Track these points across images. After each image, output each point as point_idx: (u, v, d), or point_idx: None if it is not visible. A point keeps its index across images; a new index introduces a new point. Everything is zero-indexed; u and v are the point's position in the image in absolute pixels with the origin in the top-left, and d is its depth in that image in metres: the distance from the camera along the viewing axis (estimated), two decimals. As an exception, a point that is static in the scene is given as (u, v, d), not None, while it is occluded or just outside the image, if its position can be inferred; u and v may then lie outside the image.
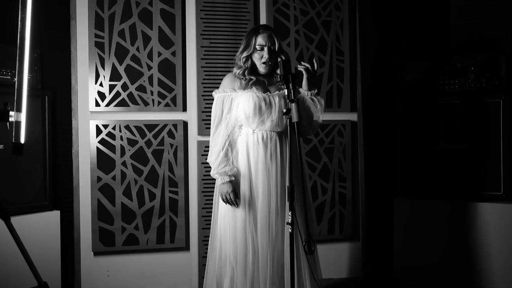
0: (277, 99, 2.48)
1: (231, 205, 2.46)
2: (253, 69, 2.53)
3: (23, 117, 2.00)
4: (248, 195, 2.46)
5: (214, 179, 2.59)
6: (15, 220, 2.13)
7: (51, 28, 3.19)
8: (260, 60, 2.48)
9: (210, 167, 3.12)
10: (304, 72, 2.48)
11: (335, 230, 3.48)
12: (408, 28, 3.73)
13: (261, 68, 2.51)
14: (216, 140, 2.50)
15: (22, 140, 2.01)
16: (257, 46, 2.48)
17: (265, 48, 2.47)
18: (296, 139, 2.19)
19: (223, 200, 2.47)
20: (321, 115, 2.54)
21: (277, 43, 2.50)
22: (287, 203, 2.35)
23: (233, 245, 2.45)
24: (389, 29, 3.70)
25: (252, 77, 2.49)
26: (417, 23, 3.75)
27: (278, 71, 2.36)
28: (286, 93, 2.24)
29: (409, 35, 3.71)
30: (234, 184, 2.47)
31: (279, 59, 2.34)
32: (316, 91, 2.53)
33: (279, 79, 2.28)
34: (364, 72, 3.55)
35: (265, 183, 2.44)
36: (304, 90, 2.52)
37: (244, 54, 2.50)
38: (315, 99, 2.52)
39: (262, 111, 2.44)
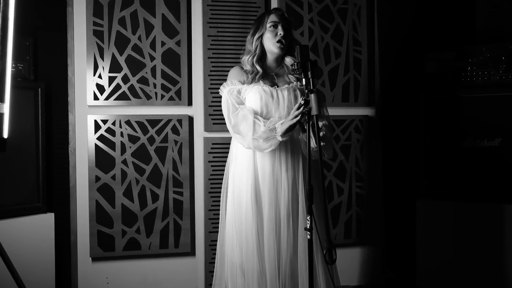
0: (286, 93, 2.41)
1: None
2: (262, 57, 2.46)
3: (6, 108, 1.90)
4: (254, 200, 2.38)
5: (221, 179, 2.58)
6: (4, 224, 2.00)
7: (46, 16, 3.13)
8: (274, 39, 2.40)
9: (217, 165, 3.18)
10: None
11: (352, 233, 3.40)
12: (430, 16, 3.65)
13: (275, 48, 2.40)
14: (241, 119, 2.34)
15: (5, 135, 1.91)
16: (269, 24, 2.41)
17: (279, 26, 2.40)
18: (317, 135, 2.05)
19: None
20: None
21: (290, 25, 2.44)
22: (301, 208, 2.30)
23: (239, 254, 2.39)
24: (409, 17, 3.64)
25: (259, 69, 2.41)
26: (439, 10, 3.66)
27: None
28: (304, 83, 2.13)
29: (431, 23, 3.63)
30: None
31: (296, 46, 2.19)
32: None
33: (296, 67, 2.15)
34: (383, 63, 3.47)
35: (271, 188, 2.36)
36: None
37: (256, 36, 2.45)
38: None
39: (269, 106, 2.38)
